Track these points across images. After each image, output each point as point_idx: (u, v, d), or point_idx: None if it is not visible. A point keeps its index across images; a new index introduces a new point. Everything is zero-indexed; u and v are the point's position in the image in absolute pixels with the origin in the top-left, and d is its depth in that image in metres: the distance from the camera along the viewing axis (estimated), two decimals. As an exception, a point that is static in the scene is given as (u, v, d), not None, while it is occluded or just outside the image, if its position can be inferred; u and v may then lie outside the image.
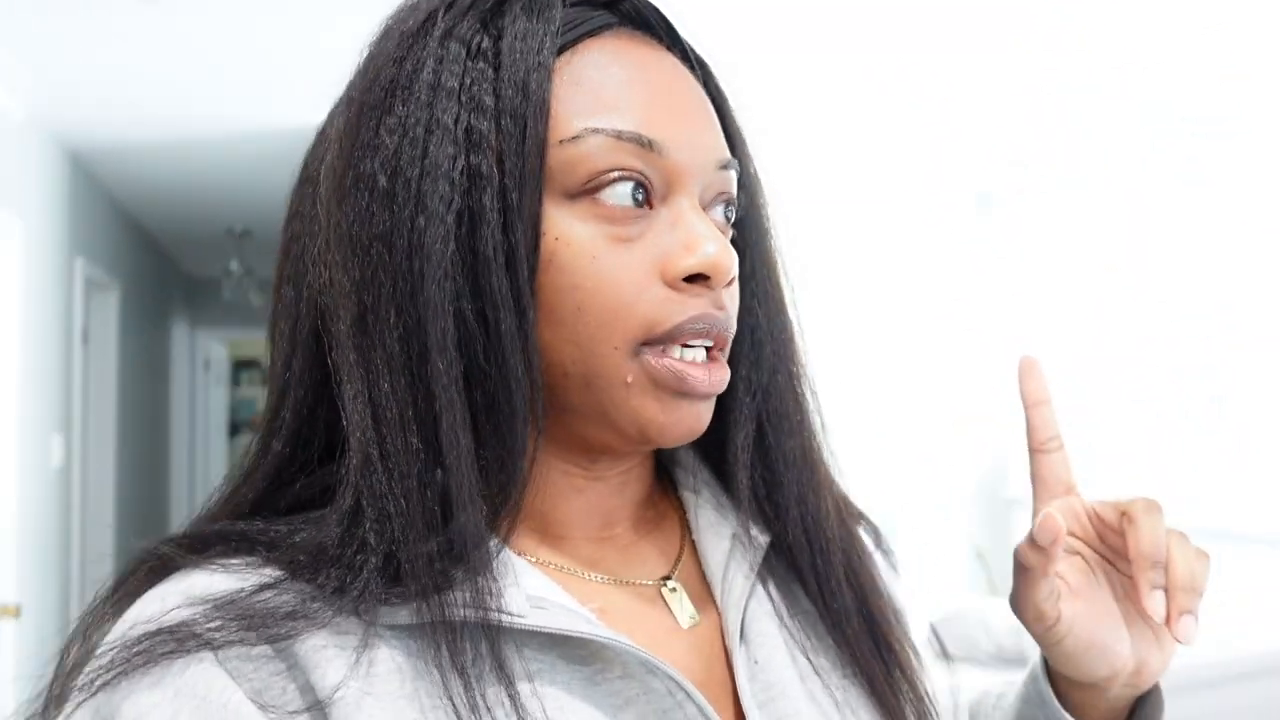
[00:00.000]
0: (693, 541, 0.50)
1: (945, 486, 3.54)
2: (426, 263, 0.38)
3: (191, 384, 6.09)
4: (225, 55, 2.52)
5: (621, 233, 0.40)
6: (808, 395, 0.50)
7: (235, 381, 7.53)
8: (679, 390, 0.41)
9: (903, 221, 3.58)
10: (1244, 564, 2.68)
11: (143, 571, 0.40)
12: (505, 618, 0.38)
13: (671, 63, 0.44)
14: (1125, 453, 3.12)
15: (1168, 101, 2.85)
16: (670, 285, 0.41)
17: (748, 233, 0.49)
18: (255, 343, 7.33)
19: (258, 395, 7.62)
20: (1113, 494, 0.50)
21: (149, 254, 4.89)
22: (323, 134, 0.46)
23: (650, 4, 0.45)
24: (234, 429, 7.32)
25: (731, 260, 0.41)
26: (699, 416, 0.43)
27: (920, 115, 2.99)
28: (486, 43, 0.41)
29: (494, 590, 0.38)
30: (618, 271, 0.40)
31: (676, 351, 0.41)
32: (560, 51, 0.41)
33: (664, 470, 0.53)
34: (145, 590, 0.38)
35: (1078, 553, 0.48)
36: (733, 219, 0.46)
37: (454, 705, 0.36)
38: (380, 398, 0.38)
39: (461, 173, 0.39)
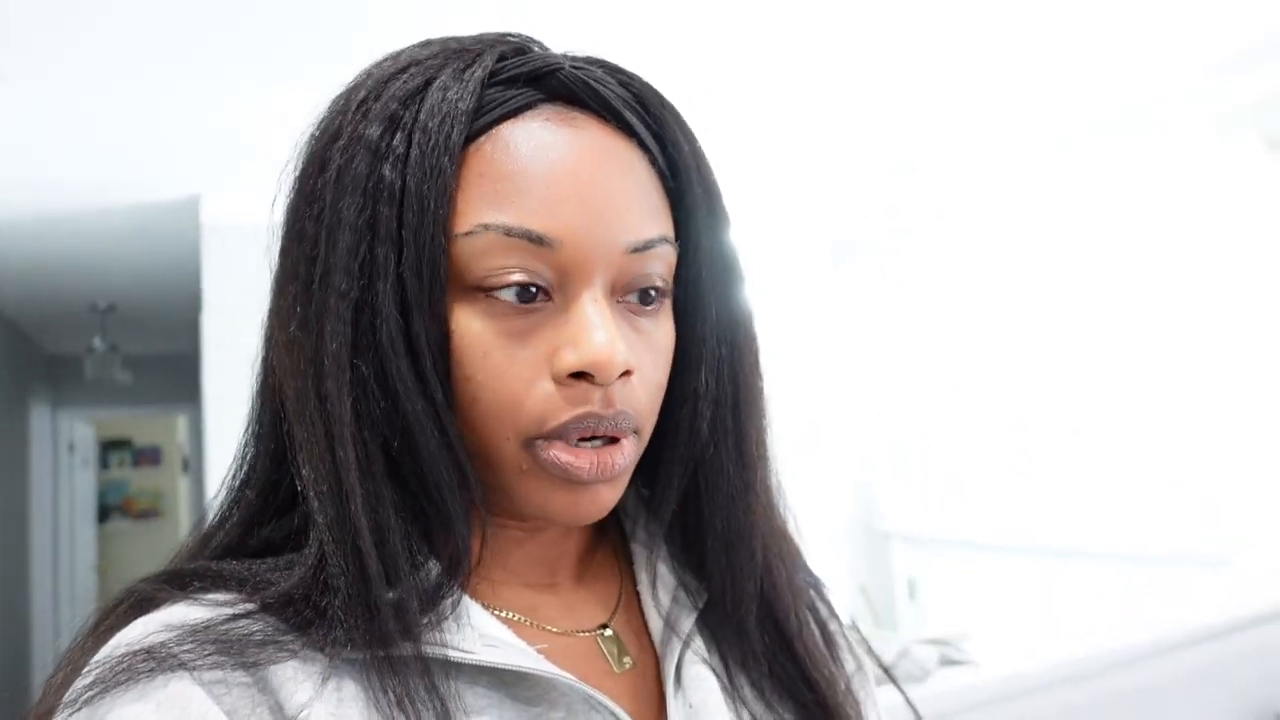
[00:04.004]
0: (636, 590, 0.51)
1: (822, 523, 3.67)
2: (326, 355, 0.40)
3: (55, 468, 5.70)
4: (85, 128, 2.45)
5: (514, 327, 0.41)
6: (755, 472, 0.49)
7: (104, 464, 7.08)
8: (566, 480, 0.42)
9: (763, 266, 3.76)
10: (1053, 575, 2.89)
11: (124, 607, 0.41)
12: (455, 654, 0.40)
13: (592, 138, 0.43)
14: (983, 484, 3.32)
15: (1024, 143, 3.11)
16: (558, 382, 0.41)
17: (704, 298, 0.47)
18: (124, 422, 6.94)
19: (129, 477, 7.19)
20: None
21: (2, 333, 4.61)
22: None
23: (580, 77, 0.44)
24: (103, 514, 6.87)
25: (619, 355, 0.40)
26: (595, 500, 0.43)
27: (774, 166, 3.17)
28: (401, 127, 0.41)
29: (449, 628, 0.41)
30: (507, 368, 0.41)
31: (572, 439, 0.42)
32: (477, 136, 0.41)
33: (614, 516, 0.54)
34: (124, 624, 0.40)
35: None
36: (653, 299, 0.44)
37: None
38: (318, 476, 0.40)
39: (361, 263, 0.40)
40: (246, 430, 0.47)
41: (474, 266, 0.40)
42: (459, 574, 0.42)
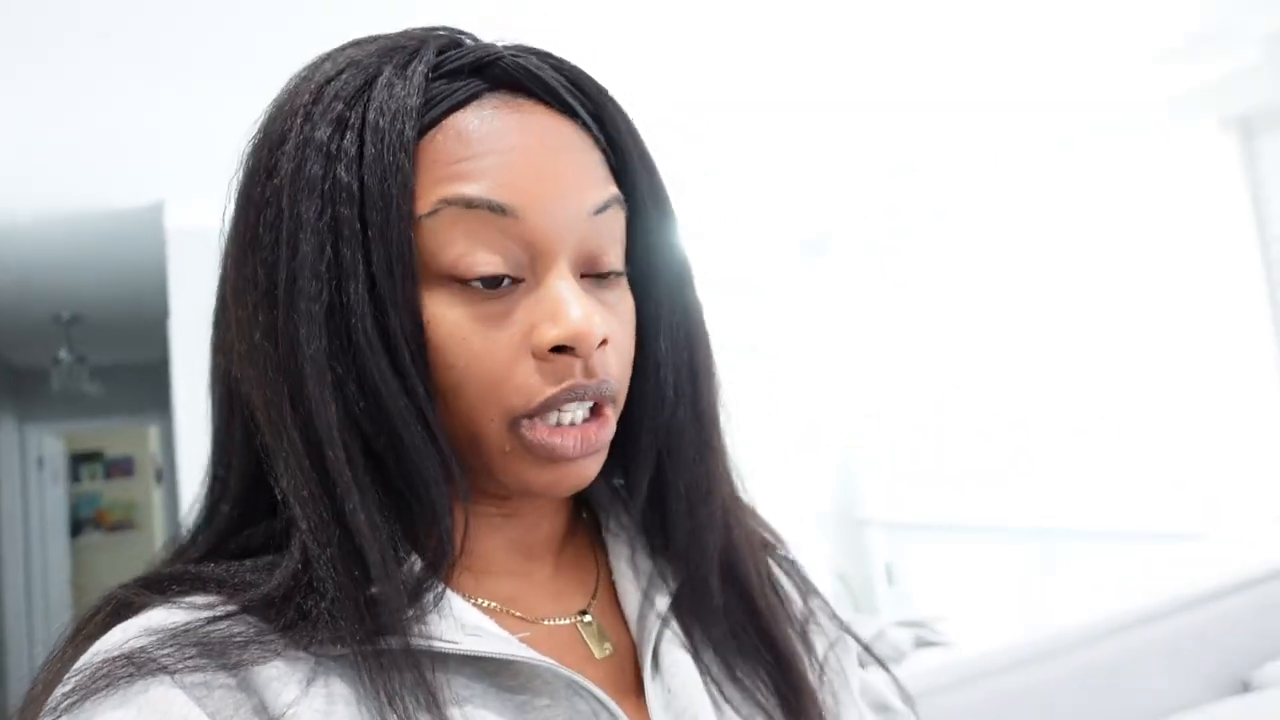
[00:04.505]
0: (611, 578, 0.52)
1: (803, 511, 3.70)
2: (305, 360, 0.39)
3: (23, 483, 5.61)
4: (45, 135, 2.42)
5: (490, 310, 0.41)
6: (713, 432, 0.51)
7: (74, 477, 6.97)
8: (550, 458, 0.43)
9: (742, 259, 3.78)
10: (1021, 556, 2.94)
11: (102, 615, 0.41)
12: (439, 644, 0.40)
13: (540, 121, 0.44)
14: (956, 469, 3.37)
15: (998, 140, 3.14)
16: (539, 358, 0.42)
17: (652, 267, 0.48)
18: (95, 434, 6.84)
19: (100, 490, 7.09)
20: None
21: (-35, 348, 4.53)
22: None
23: (519, 64, 0.44)
24: (76, 528, 6.77)
25: (596, 326, 0.42)
26: (578, 473, 0.44)
27: (749, 163, 3.19)
28: (350, 128, 0.41)
29: (431, 620, 0.41)
30: (488, 351, 0.41)
31: (552, 417, 0.43)
32: (427, 129, 0.42)
33: (586, 506, 0.55)
34: (105, 632, 0.39)
35: None
36: (617, 268, 0.46)
37: None
38: (297, 484, 0.40)
39: (328, 266, 0.40)
40: (213, 444, 0.47)
41: (442, 253, 0.41)
42: (442, 567, 0.42)
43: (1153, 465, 2.74)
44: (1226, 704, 1.86)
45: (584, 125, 0.46)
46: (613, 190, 0.45)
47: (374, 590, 0.39)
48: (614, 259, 0.45)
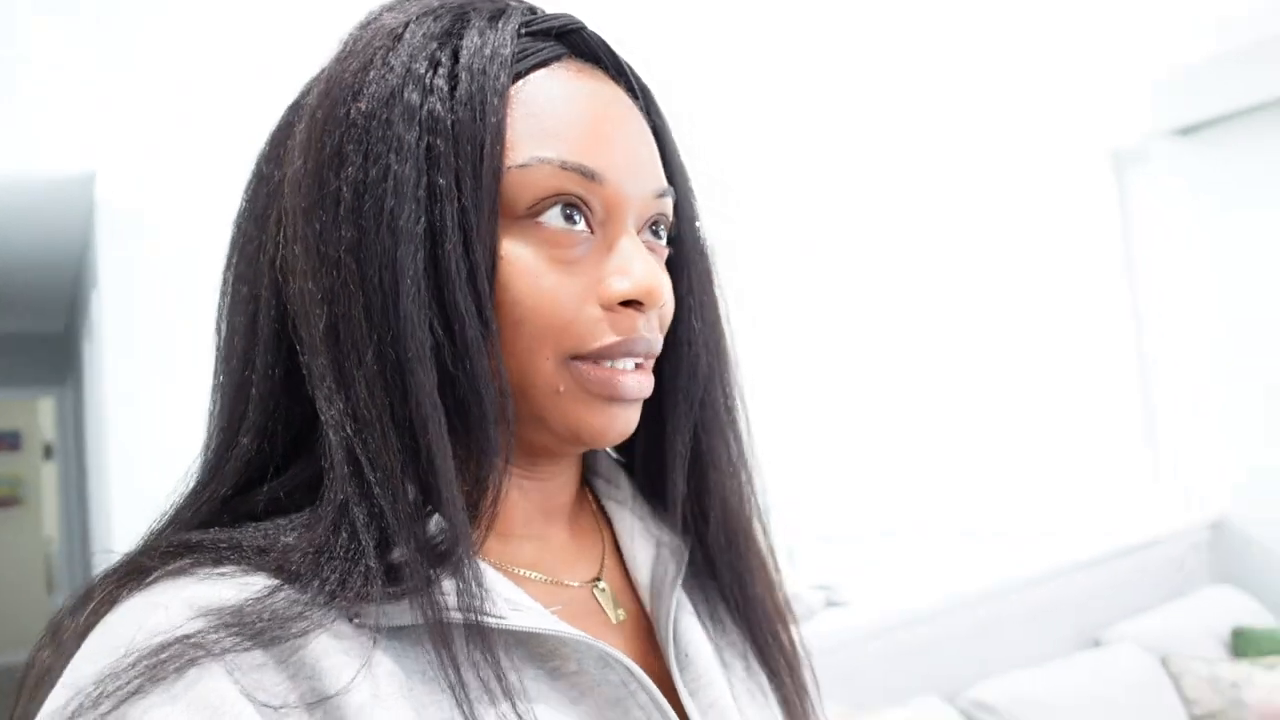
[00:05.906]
0: (616, 545, 0.53)
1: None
2: (400, 278, 0.39)
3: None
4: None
5: (562, 255, 0.42)
6: (738, 404, 0.53)
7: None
8: (609, 396, 0.44)
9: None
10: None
11: (116, 577, 0.39)
12: (489, 619, 0.39)
13: (615, 94, 0.46)
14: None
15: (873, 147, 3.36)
16: (606, 308, 0.43)
17: (685, 250, 0.50)
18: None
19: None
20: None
21: None
22: (279, 137, 0.46)
23: (598, 37, 0.47)
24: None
25: (663, 285, 0.44)
26: (628, 420, 0.45)
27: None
28: (440, 65, 0.42)
29: (477, 594, 0.40)
30: (557, 292, 0.42)
31: (606, 363, 0.43)
32: (515, 79, 0.43)
33: (586, 476, 0.55)
34: (124, 597, 0.38)
35: None
36: (664, 239, 0.48)
37: (454, 699, 0.38)
38: (358, 404, 0.39)
39: (425, 190, 0.40)
40: (228, 373, 0.45)
41: (523, 195, 0.42)
42: (478, 519, 0.42)
43: (1032, 472, 3.01)
44: (1081, 656, 2.16)
45: (643, 108, 0.48)
46: (666, 182, 0.48)
47: (443, 512, 0.39)
48: (664, 236, 0.48)
